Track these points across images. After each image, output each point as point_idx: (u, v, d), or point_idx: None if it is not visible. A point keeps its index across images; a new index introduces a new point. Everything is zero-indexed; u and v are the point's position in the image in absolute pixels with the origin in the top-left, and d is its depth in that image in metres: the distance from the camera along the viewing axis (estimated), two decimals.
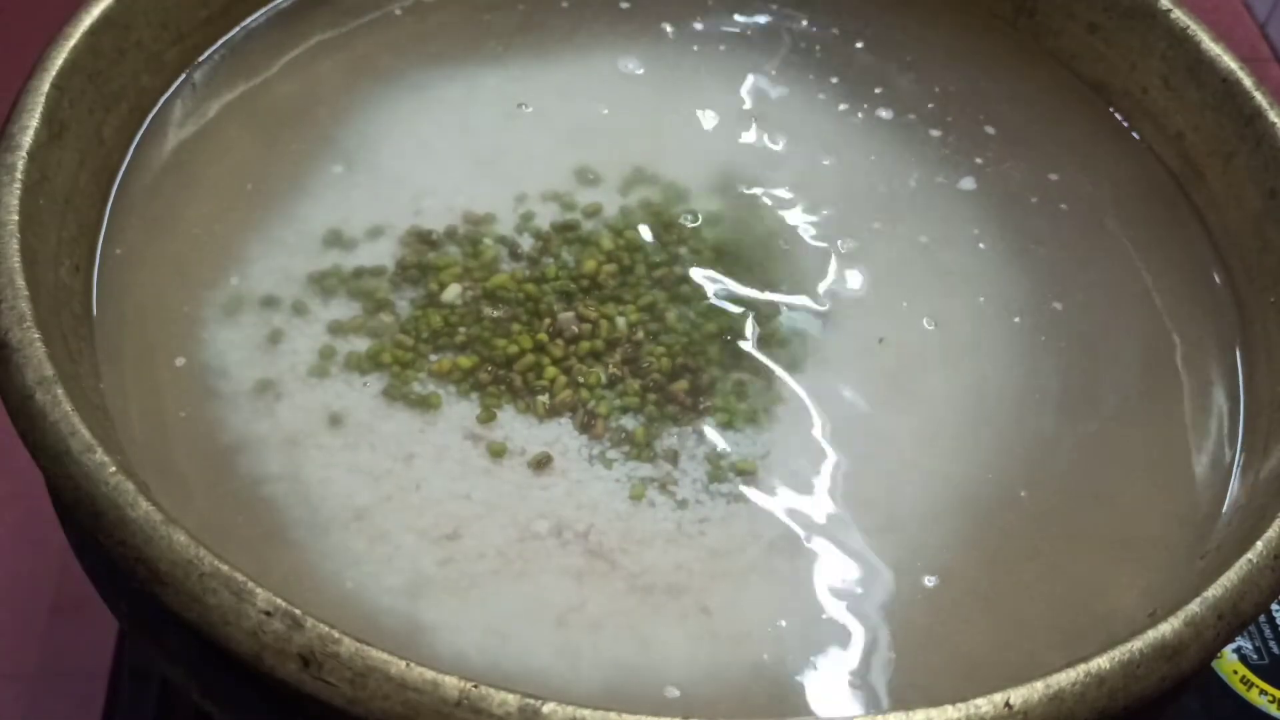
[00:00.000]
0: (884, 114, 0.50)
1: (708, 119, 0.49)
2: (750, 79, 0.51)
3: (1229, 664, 0.50)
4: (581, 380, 0.40)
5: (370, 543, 0.35)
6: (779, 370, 0.41)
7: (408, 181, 0.45)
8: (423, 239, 0.43)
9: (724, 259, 0.44)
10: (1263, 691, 0.50)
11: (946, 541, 0.37)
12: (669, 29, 0.52)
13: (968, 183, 0.48)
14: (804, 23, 0.53)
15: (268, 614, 0.27)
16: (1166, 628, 0.30)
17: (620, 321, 0.41)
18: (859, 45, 0.52)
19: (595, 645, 0.34)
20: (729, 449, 0.39)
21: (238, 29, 0.49)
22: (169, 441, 0.37)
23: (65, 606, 1.00)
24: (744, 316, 0.42)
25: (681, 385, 0.40)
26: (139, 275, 0.41)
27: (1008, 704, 0.28)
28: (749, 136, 0.48)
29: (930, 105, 0.50)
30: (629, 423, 0.39)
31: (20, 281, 0.33)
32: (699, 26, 0.52)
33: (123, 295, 0.40)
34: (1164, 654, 0.29)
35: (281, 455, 0.37)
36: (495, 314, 0.41)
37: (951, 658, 0.35)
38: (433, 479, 0.37)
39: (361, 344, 0.40)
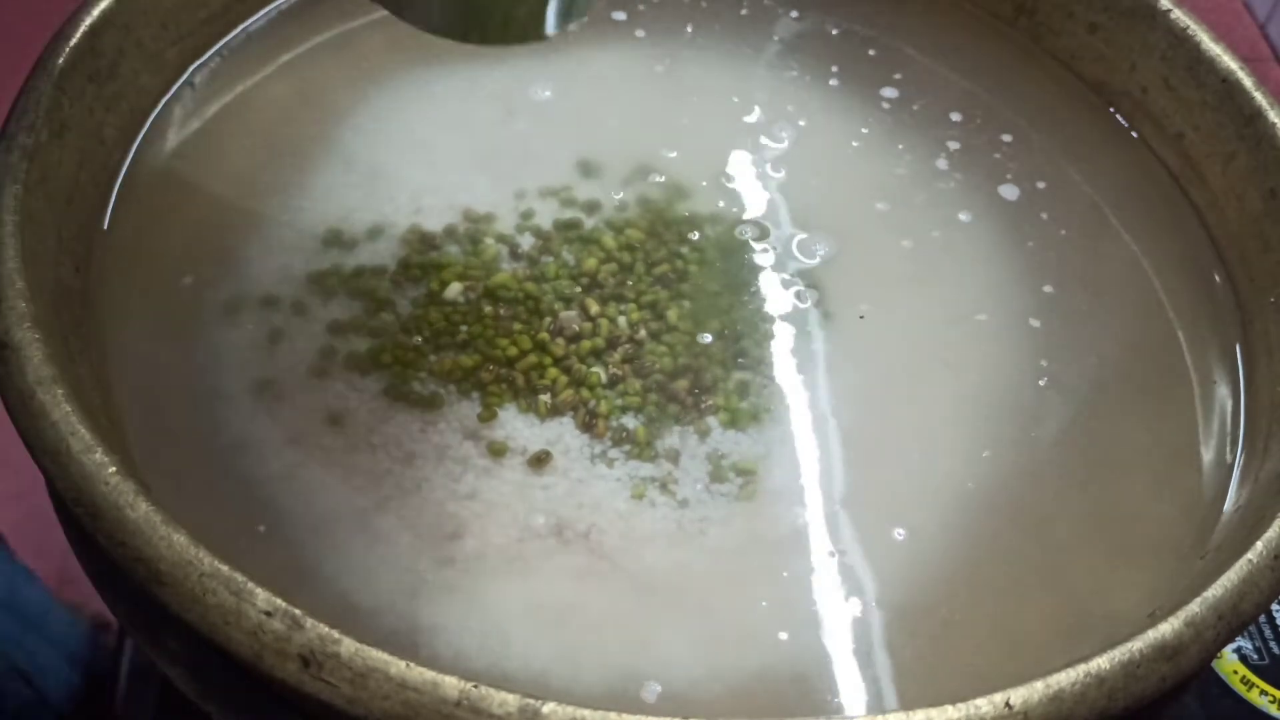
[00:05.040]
0: (883, 112, 0.50)
1: (707, 116, 0.49)
2: (750, 77, 0.51)
3: (1229, 664, 0.50)
4: (583, 379, 0.40)
5: (370, 543, 0.35)
6: (780, 369, 0.41)
7: (408, 180, 0.45)
8: (423, 238, 0.43)
9: (725, 256, 0.44)
10: (1263, 691, 0.50)
11: (947, 541, 0.37)
12: (670, 26, 0.52)
13: (968, 182, 0.48)
14: (804, 22, 0.53)
15: (268, 614, 0.27)
16: (1166, 628, 0.30)
17: (621, 320, 0.41)
18: (859, 45, 0.52)
19: (595, 645, 0.34)
20: (730, 448, 0.39)
21: (238, 29, 0.49)
22: (169, 441, 0.37)
23: (65, 606, 1.00)
24: (746, 314, 0.42)
25: (683, 384, 0.40)
26: (139, 275, 0.41)
27: (1008, 704, 0.28)
28: (750, 133, 0.48)
29: (930, 105, 0.50)
30: (630, 422, 0.39)
31: (20, 281, 0.33)
32: (698, 25, 0.52)
33: (123, 295, 0.40)
34: (1164, 654, 0.29)
35: (281, 455, 0.37)
36: (497, 313, 0.41)
37: (952, 656, 0.35)
38: (433, 479, 0.37)
39: (362, 343, 0.40)
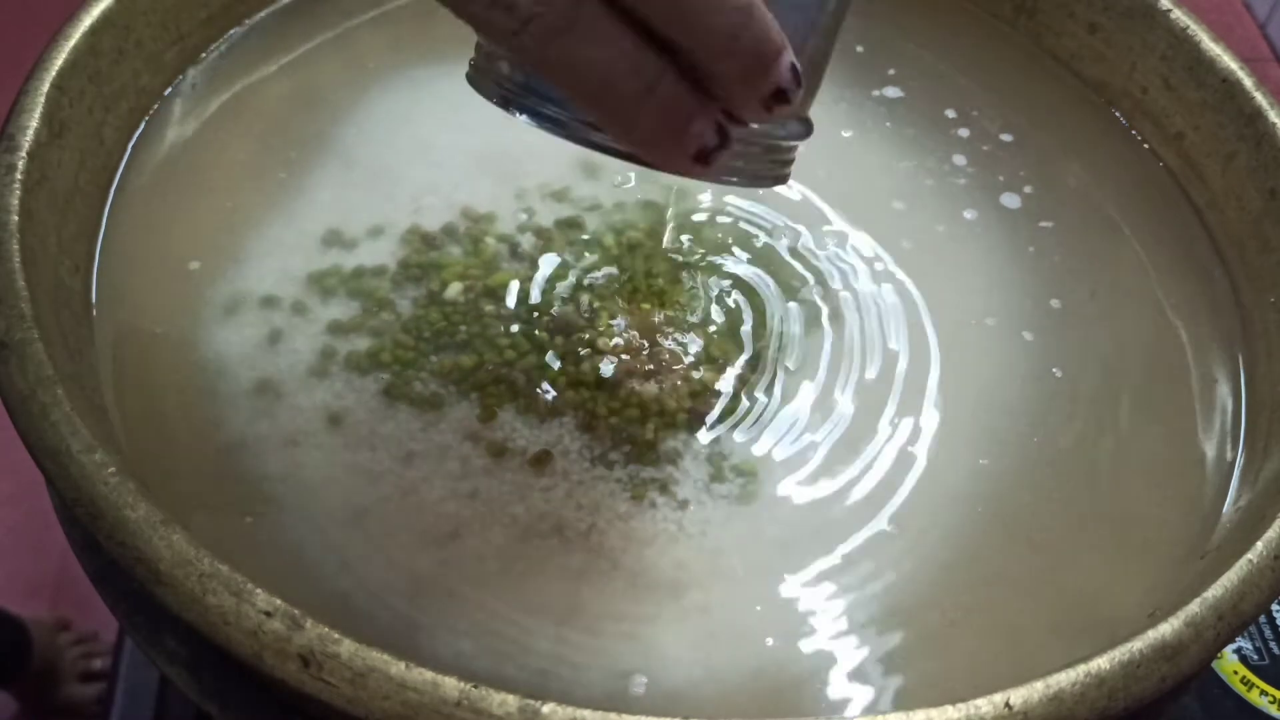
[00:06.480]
0: (883, 114, 0.50)
1: None
2: None
3: (1229, 664, 0.50)
4: (583, 380, 0.39)
5: (370, 542, 0.35)
6: (783, 368, 0.41)
7: (407, 180, 0.45)
8: (423, 237, 0.43)
9: (727, 258, 0.44)
10: (1263, 692, 0.50)
11: (948, 542, 0.37)
12: None
13: (968, 183, 0.48)
14: None
15: (268, 614, 0.27)
16: (1166, 628, 0.30)
17: (622, 320, 0.41)
18: (858, 44, 0.52)
19: (595, 645, 0.34)
20: (731, 449, 0.39)
21: (237, 28, 0.49)
22: (169, 441, 0.37)
23: (65, 607, 1.01)
24: (748, 314, 0.42)
25: (684, 384, 0.40)
26: (139, 275, 0.41)
27: (1008, 704, 0.28)
28: None
29: (929, 104, 0.50)
30: (630, 423, 0.39)
31: (20, 282, 0.33)
32: None
33: (123, 295, 0.40)
34: (1164, 654, 0.29)
35: (281, 455, 0.37)
36: (497, 313, 0.41)
37: (952, 657, 0.35)
38: (433, 479, 0.37)
39: (362, 343, 0.40)
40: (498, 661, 0.33)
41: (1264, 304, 0.43)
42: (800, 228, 0.45)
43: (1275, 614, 0.52)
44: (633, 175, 0.46)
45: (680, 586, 0.35)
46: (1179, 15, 0.47)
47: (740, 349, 0.41)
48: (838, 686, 0.34)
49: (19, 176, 0.36)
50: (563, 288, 0.42)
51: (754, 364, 0.41)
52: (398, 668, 0.27)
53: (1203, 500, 0.39)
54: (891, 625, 0.35)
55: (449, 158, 0.46)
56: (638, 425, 0.38)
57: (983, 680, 0.28)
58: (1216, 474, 0.40)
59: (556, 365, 0.40)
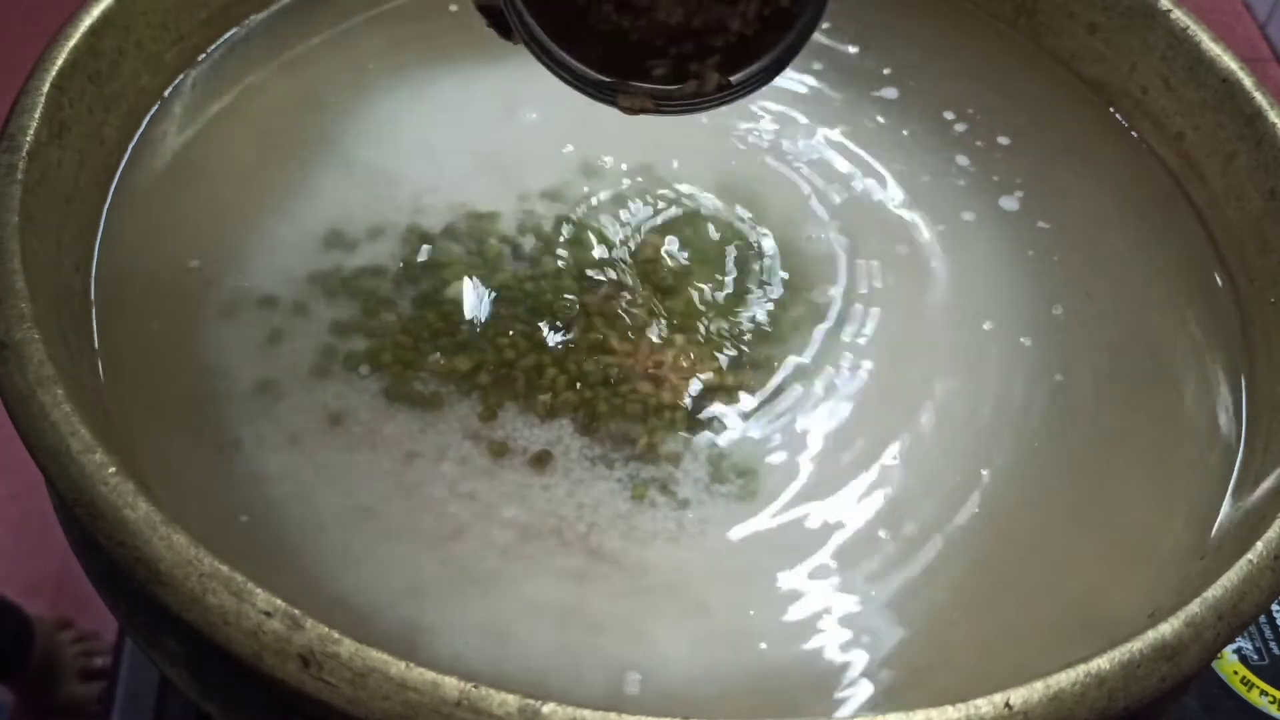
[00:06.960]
0: (881, 115, 0.50)
1: (710, 118, 0.49)
2: None
3: (1229, 664, 0.50)
4: (583, 380, 0.39)
5: (370, 543, 0.35)
6: (783, 369, 0.41)
7: (408, 180, 0.45)
8: (424, 238, 0.43)
9: (727, 256, 0.44)
10: (1263, 692, 0.50)
11: (948, 543, 0.37)
12: None
13: (965, 184, 0.48)
14: None
15: (268, 614, 0.27)
16: (1166, 628, 0.30)
17: (622, 320, 0.41)
18: (858, 45, 0.52)
19: (595, 645, 0.34)
20: (731, 449, 0.39)
21: (237, 29, 0.49)
22: (169, 441, 0.37)
23: (65, 606, 1.01)
24: (748, 314, 0.42)
25: (684, 384, 0.40)
26: (139, 275, 0.41)
27: (1008, 704, 0.28)
28: (752, 136, 0.48)
29: (927, 106, 0.50)
30: (631, 422, 0.39)
31: (20, 282, 0.33)
32: None
33: (123, 295, 0.40)
34: (1164, 654, 0.29)
35: (281, 455, 0.37)
36: (497, 313, 0.41)
37: (952, 657, 0.35)
38: (433, 479, 0.37)
39: (362, 343, 0.40)
40: (498, 661, 0.33)
41: (1264, 304, 0.43)
42: (797, 229, 0.45)
43: (1275, 614, 0.52)
44: (640, 182, 0.46)
45: (680, 586, 0.35)
46: (1179, 15, 0.47)
47: (739, 350, 0.41)
48: (837, 686, 0.34)
49: (19, 176, 0.36)
50: (563, 288, 0.42)
51: (754, 365, 0.41)
52: (398, 668, 0.27)
53: (1203, 500, 0.39)
54: (891, 626, 0.35)
55: (449, 158, 0.46)
56: (638, 425, 0.38)
57: (983, 680, 0.28)
58: (1216, 474, 0.40)
59: (556, 365, 0.40)
